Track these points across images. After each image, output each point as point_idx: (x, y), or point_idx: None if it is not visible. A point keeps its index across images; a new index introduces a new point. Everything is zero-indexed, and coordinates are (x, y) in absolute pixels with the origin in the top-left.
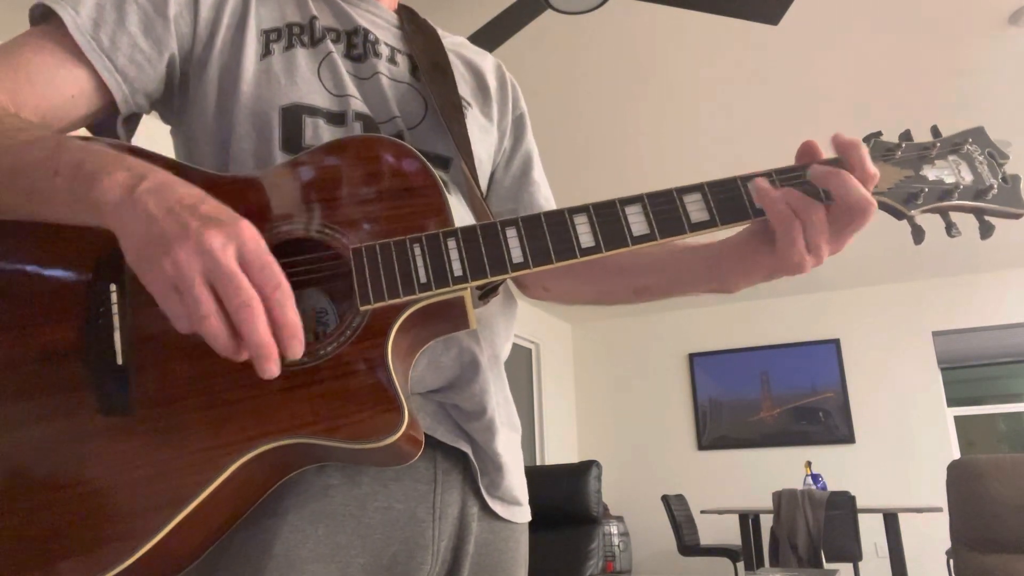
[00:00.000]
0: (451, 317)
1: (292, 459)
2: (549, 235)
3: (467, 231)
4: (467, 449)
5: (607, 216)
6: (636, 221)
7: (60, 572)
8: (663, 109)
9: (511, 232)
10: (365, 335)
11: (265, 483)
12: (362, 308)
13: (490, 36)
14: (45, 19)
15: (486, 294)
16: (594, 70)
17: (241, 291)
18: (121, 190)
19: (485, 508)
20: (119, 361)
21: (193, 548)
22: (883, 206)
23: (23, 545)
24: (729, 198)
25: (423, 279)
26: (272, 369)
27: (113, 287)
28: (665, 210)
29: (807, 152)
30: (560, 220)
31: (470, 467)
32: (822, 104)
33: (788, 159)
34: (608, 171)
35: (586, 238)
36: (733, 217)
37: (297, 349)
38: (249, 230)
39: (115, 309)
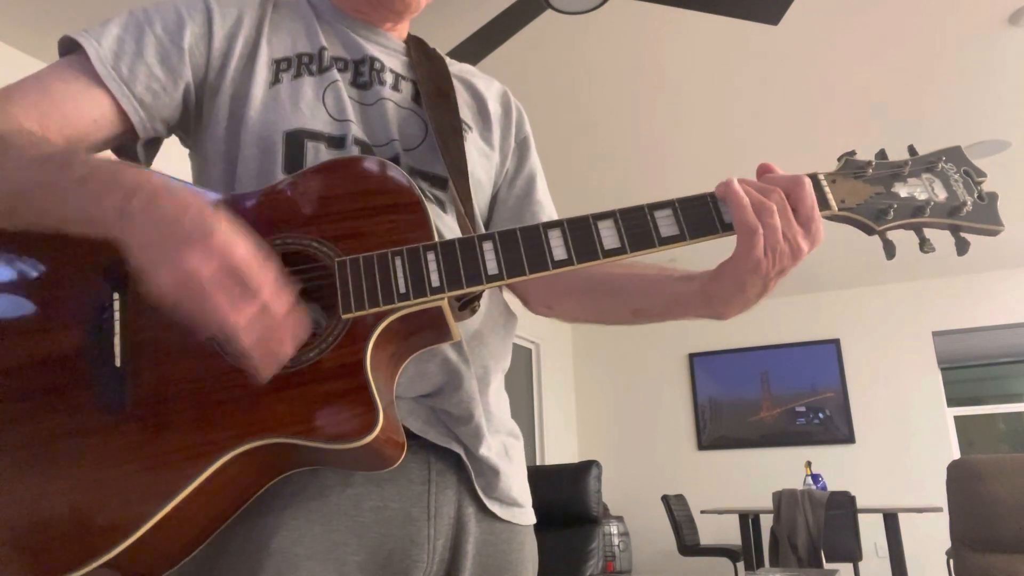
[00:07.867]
0: (433, 328)
1: (279, 461)
2: (523, 248)
3: (446, 245)
4: (459, 450)
5: (580, 230)
6: (608, 235)
7: (47, 560)
8: (663, 109)
9: (487, 245)
10: (346, 342)
11: (254, 483)
12: (344, 316)
13: (490, 36)
14: (72, 50)
15: (464, 306)
16: (594, 71)
17: (257, 288)
18: (114, 213)
19: (484, 509)
20: (117, 363)
21: (183, 544)
22: (852, 222)
23: (13, 533)
24: (699, 213)
25: (402, 289)
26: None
27: (116, 295)
28: (636, 225)
29: (764, 172)
30: (534, 234)
31: (464, 468)
32: (821, 104)
33: (788, 158)
34: (607, 171)
35: (559, 251)
36: (702, 231)
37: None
38: (225, 236)
39: (116, 316)
